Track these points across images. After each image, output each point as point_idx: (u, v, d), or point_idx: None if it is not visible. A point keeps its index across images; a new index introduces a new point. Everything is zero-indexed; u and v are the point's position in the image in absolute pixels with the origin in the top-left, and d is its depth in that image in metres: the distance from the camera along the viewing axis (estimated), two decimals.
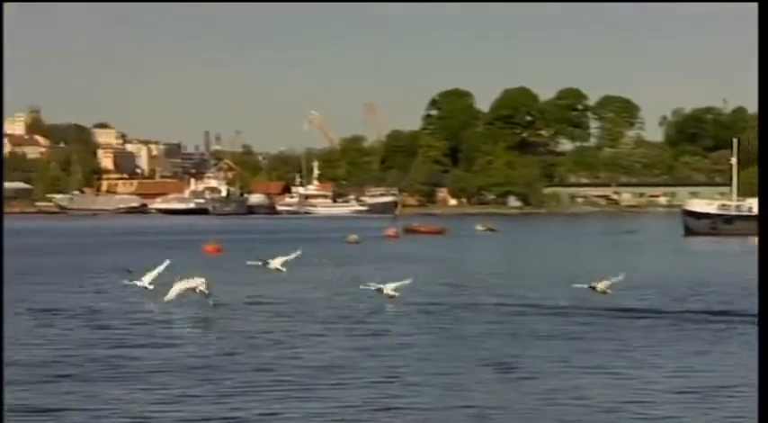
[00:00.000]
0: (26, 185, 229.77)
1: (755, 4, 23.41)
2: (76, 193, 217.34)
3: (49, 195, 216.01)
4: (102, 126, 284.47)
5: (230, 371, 23.60)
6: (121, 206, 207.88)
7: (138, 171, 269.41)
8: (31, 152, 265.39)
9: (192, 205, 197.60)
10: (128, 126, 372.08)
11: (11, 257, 53.04)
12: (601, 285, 36.36)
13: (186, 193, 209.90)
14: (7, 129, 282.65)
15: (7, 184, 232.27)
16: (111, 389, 21.61)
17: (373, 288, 36.37)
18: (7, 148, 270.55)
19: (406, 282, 36.37)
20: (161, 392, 21.43)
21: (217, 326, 30.54)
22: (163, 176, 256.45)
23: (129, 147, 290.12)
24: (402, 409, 19.99)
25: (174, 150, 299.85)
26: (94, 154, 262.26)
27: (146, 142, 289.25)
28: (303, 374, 23.14)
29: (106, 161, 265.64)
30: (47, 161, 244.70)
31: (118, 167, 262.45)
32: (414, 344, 27.16)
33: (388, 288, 36.20)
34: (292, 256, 41.72)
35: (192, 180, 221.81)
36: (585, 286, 36.43)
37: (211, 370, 23.48)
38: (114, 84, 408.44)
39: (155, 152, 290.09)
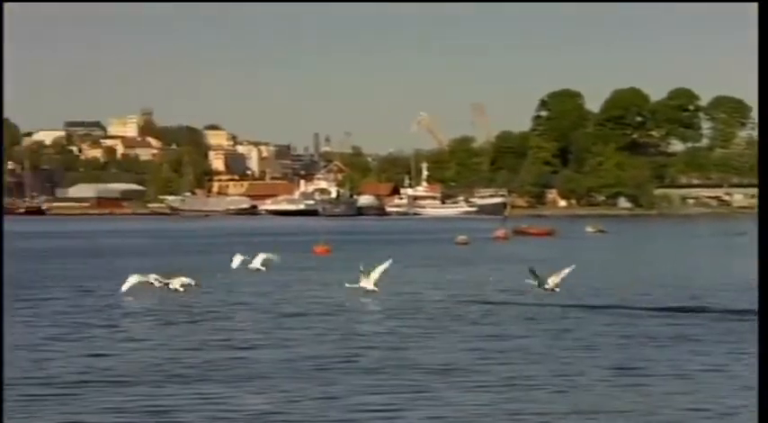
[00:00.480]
0: (139, 187, 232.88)
1: (755, 4, 23.06)
2: (188, 194, 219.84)
3: (161, 197, 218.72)
4: (214, 128, 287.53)
5: (360, 372, 23.62)
6: (232, 207, 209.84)
7: (249, 172, 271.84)
8: (144, 154, 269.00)
9: (301, 206, 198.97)
10: (239, 128, 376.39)
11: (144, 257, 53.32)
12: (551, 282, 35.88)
13: (296, 195, 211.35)
14: (120, 131, 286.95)
15: (120, 186, 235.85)
16: (221, 388, 21.92)
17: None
18: (120, 150, 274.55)
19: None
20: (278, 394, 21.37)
21: (340, 327, 30.72)
22: (273, 178, 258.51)
23: (240, 148, 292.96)
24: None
25: (284, 152, 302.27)
26: (206, 155, 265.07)
27: (256, 144, 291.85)
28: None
29: (217, 163, 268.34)
30: (159, 163, 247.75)
31: (229, 169, 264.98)
32: (527, 346, 27.05)
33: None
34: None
35: (302, 181, 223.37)
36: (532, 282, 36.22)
37: (328, 371, 23.61)
38: (225, 85, 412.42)
39: (265, 154, 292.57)
